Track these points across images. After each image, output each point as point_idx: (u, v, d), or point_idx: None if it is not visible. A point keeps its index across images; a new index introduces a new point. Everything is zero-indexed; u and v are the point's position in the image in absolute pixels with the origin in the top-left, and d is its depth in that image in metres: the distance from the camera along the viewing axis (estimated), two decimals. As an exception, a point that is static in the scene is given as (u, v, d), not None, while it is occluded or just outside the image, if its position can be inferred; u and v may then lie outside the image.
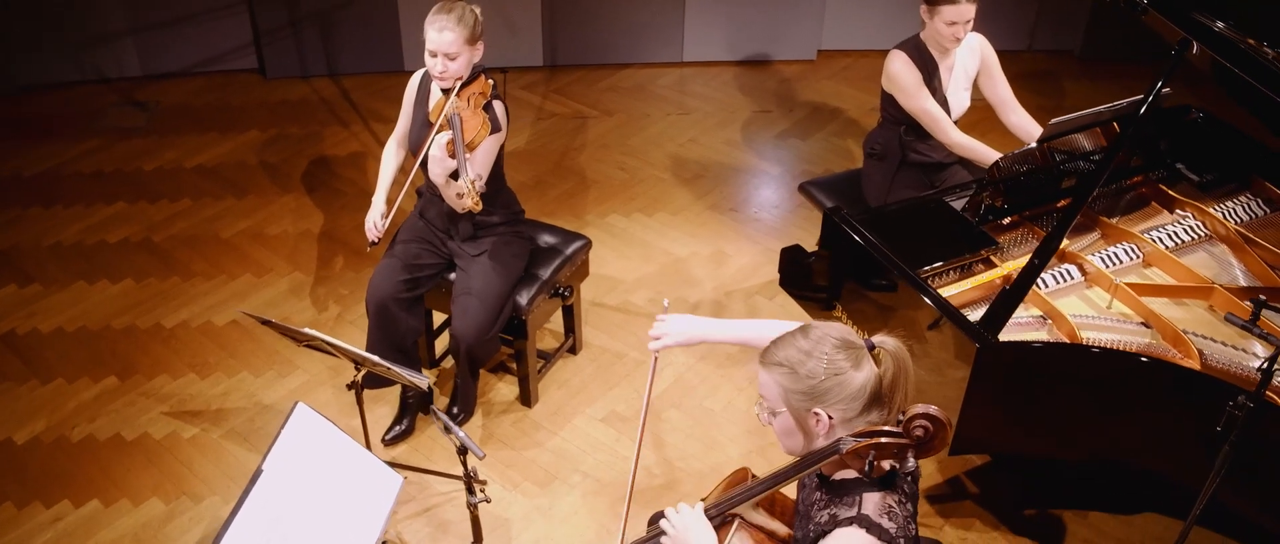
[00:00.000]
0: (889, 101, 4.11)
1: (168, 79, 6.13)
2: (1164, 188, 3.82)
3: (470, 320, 3.74)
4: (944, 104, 4.06)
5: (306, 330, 3.25)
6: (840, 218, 3.34)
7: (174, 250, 4.94)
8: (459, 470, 3.85)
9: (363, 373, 3.49)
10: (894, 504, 2.23)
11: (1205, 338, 3.19)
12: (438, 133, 3.54)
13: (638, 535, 2.80)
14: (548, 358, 4.32)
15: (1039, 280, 3.41)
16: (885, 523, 2.19)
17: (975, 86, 4.23)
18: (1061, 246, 3.51)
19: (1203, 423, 2.88)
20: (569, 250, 4.11)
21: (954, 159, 4.24)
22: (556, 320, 4.47)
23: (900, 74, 3.96)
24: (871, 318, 3.36)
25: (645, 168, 5.66)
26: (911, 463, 2.18)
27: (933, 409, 2.12)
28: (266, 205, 5.24)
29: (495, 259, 3.82)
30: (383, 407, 4.17)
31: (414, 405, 4.08)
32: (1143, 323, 3.26)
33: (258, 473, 2.74)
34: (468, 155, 3.44)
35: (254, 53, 6.17)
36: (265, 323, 3.36)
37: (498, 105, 3.67)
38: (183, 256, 4.91)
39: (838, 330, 2.29)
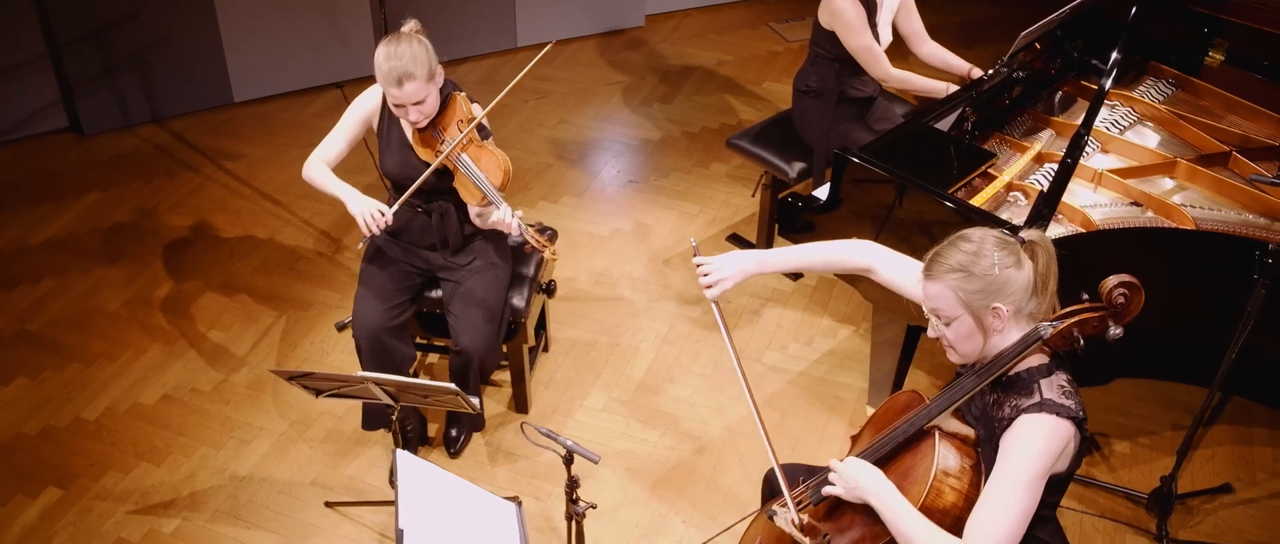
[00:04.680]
0: (827, 39, 4.19)
1: (-32, 154, 5.41)
2: (1083, 83, 4.13)
3: (479, 332, 3.55)
4: (877, 39, 4.20)
5: (360, 374, 2.99)
6: (854, 155, 3.40)
7: (59, 336, 4.38)
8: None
9: (398, 410, 3.25)
10: (1066, 382, 2.36)
11: (1187, 205, 3.50)
12: (455, 183, 3.44)
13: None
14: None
15: (1031, 180, 3.63)
16: (1069, 402, 2.32)
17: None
18: (1039, 151, 3.74)
19: (1230, 276, 3.18)
20: (541, 245, 3.98)
21: (879, 93, 4.41)
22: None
23: (845, 11, 4.05)
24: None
25: (528, 156, 5.53)
26: (1115, 330, 2.29)
27: (1126, 276, 2.25)
28: (145, 268, 4.73)
29: (487, 264, 3.65)
30: (374, 448, 3.90)
31: (414, 439, 3.84)
32: (1133, 202, 3.53)
33: (400, 533, 2.52)
34: (502, 194, 3.35)
35: (63, 110, 5.52)
36: (297, 377, 3.07)
37: (477, 110, 3.49)
38: (73, 341, 4.36)
39: (991, 232, 2.39)
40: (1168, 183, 3.68)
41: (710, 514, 3.68)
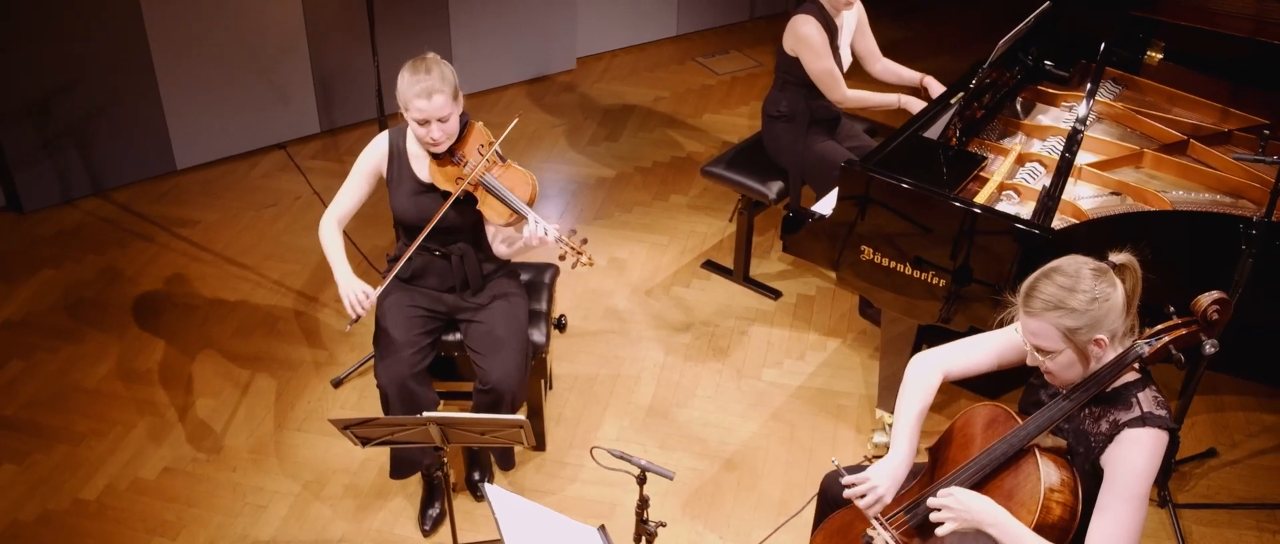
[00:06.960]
0: (792, 63, 4.36)
1: (-96, 242, 5.14)
2: (1041, 88, 4.40)
3: (511, 369, 3.56)
4: (838, 62, 4.40)
5: (424, 415, 2.97)
6: (864, 166, 3.56)
7: (39, 418, 4.20)
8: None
9: (446, 453, 3.24)
10: (1158, 393, 2.49)
11: (1160, 191, 3.76)
12: (480, 206, 3.47)
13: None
14: (537, 398, 4.19)
15: (1022, 179, 3.85)
16: (1165, 413, 2.44)
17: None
18: (1018, 152, 3.97)
19: (1211, 251, 3.45)
20: (546, 279, 4.03)
21: (843, 114, 4.60)
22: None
23: (811, 36, 4.24)
24: (899, 249, 3.61)
25: (487, 202, 5.55)
26: (1210, 347, 2.44)
27: (1218, 293, 2.42)
28: (117, 342, 4.57)
29: (508, 301, 3.68)
30: (395, 499, 3.86)
31: (443, 484, 3.81)
32: (1113, 192, 3.78)
33: (511, 563, 2.53)
34: (532, 210, 3.38)
35: (0, 188, 5.31)
36: (354, 424, 3.04)
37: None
38: (55, 422, 4.18)
39: (1085, 261, 2.47)
40: (1137, 172, 3.94)
41: (745, 528, 3.75)
